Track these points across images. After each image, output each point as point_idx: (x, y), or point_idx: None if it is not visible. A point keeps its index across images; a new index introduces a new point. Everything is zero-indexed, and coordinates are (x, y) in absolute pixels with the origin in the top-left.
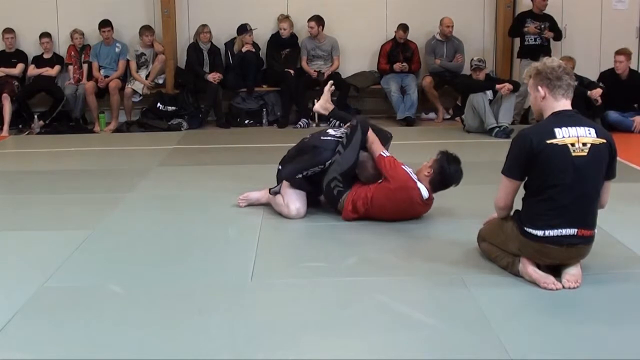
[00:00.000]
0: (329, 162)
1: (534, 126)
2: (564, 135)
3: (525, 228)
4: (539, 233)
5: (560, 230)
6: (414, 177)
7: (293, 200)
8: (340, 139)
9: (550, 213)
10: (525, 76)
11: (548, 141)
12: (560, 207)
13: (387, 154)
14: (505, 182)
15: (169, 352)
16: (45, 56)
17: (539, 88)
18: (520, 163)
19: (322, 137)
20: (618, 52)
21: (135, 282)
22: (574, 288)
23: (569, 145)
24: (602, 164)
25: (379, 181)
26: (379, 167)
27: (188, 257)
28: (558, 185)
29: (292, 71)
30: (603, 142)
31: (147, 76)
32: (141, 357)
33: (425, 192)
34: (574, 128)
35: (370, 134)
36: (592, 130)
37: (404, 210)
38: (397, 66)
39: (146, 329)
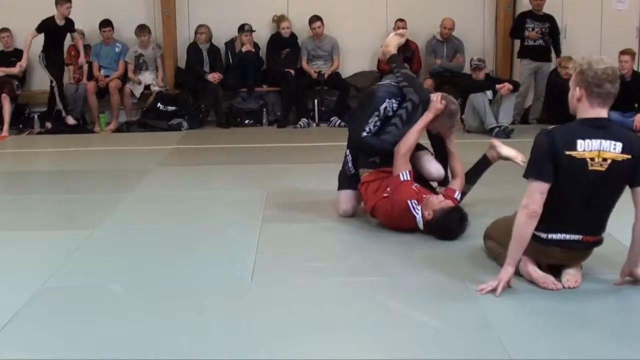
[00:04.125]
0: (384, 108)
1: (559, 128)
2: (585, 148)
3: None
4: (543, 235)
5: (564, 235)
6: (416, 210)
7: (342, 202)
8: (397, 84)
9: (556, 219)
10: (571, 68)
11: (567, 152)
12: (568, 215)
13: (406, 178)
14: (531, 186)
15: (169, 352)
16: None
17: (577, 88)
18: (545, 165)
19: (378, 83)
20: (623, 52)
21: (135, 282)
22: (573, 288)
23: (588, 160)
24: (620, 179)
25: (385, 195)
26: (391, 182)
27: (188, 257)
28: (568, 194)
29: (292, 71)
30: (627, 159)
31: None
32: (141, 357)
33: (421, 226)
34: (598, 141)
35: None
36: (619, 145)
37: (402, 227)
38: None
39: (146, 329)
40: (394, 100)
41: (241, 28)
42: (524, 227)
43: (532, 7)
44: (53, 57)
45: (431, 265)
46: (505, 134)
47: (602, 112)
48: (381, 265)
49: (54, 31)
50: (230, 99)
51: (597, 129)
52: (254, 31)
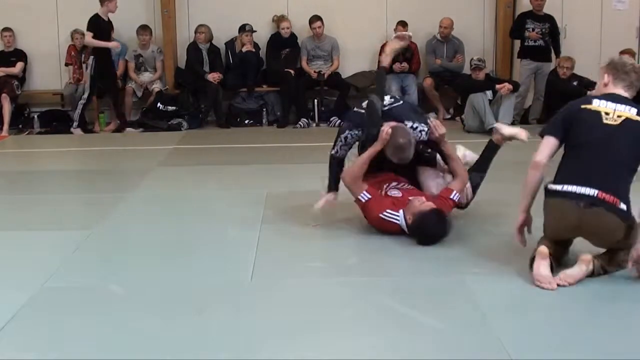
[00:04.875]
0: (345, 137)
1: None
2: (600, 105)
3: (549, 186)
4: (558, 187)
5: (579, 187)
6: (395, 218)
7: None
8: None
9: (572, 169)
10: (601, 67)
11: (582, 106)
12: (584, 165)
13: (367, 198)
14: (543, 141)
15: (169, 352)
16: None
17: (605, 75)
18: (557, 122)
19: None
20: (623, 52)
21: (135, 282)
22: (565, 285)
23: (603, 113)
24: (635, 137)
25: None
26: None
27: (188, 257)
28: (584, 144)
29: (292, 71)
30: None
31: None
32: (141, 357)
33: (407, 230)
34: (614, 103)
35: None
36: (635, 110)
37: (395, 232)
38: (397, 67)
39: (146, 329)
40: (355, 131)
41: (242, 28)
42: (529, 176)
43: (532, 7)
44: (103, 65)
45: (431, 265)
46: None
47: (625, 94)
48: (381, 265)
49: (102, 29)
50: (230, 99)
51: (615, 97)
52: (255, 31)
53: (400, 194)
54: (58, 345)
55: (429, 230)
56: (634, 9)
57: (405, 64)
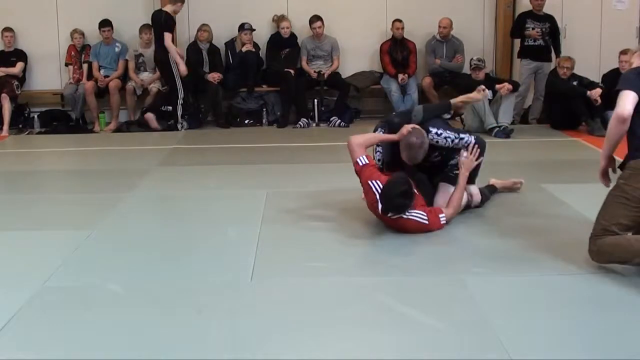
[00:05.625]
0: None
1: None
2: None
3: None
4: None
5: None
6: (377, 189)
7: None
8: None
9: None
10: (637, 54)
11: None
12: None
13: (364, 162)
14: (622, 96)
15: (168, 352)
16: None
17: (638, 58)
18: (631, 78)
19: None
20: (623, 52)
21: (135, 282)
22: None
23: None
24: None
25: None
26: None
27: (188, 257)
28: None
29: (292, 71)
30: None
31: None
32: (141, 357)
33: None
34: None
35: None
36: None
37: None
38: (399, 77)
39: (146, 329)
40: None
41: (241, 27)
42: (612, 129)
43: (532, 7)
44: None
45: (431, 265)
46: (504, 134)
47: None
48: (381, 265)
49: (173, 28)
50: (230, 99)
51: None
52: (254, 30)
53: (380, 173)
54: (58, 345)
55: (390, 192)
56: (634, 9)
57: (406, 75)
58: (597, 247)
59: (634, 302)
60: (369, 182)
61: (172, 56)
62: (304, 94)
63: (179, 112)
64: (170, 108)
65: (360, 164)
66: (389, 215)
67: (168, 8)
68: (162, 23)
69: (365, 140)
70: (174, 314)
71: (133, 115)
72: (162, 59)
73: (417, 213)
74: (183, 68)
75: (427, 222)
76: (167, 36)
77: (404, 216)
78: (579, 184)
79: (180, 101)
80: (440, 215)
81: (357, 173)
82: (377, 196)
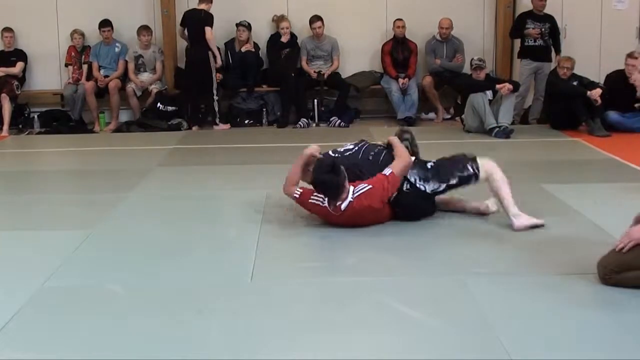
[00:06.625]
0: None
1: None
2: None
3: None
4: None
5: None
6: (319, 199)
7: None
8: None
9: None
10: None
11: None
12: None
13: (299, 192)
14: None
15: (168, 352)
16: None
17: None
18: None
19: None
20: (630, 55)
21: (135, 282)
22: None
23: None
24: None
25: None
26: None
27: (188, 257)
28: None
29: (292, 71)
30: None
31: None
32: (141, 357)
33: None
34: None
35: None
36: None
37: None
38: (400, 82)
39: (146, 329)
40: None
41: (238, 24)
42: None
43: (533, 7)
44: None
45: (431, 265)
46: (505, 134)
47: None
48: (381, 265)
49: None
50: (230, 99)
51: None
52: (249, 25)
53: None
54: (58, 345)
55: (318, 173)
56: (634, 9)
57: (406, 80)
58: (614, 281)
59: (634, 303)
60: (310, 200)
61: (213, 50)
62: (304, 94)
63: (216, 108)
64: (169, 108)
65: (297, 194)
66: (339, 204)
67: (203, 6)
68: (201, 19)
69: (289, 181)
70: (173, 313)
71: (137, 116)
72: (202, 57)
73: (360, 187)
74: (219, 61)
75: (372, 186)
76: (210, 31)
77: (351, 199)
78: (579, 184)
79: (216, 98)
80: (385, 172)
81: (301, 204)
82: (321, 200)
